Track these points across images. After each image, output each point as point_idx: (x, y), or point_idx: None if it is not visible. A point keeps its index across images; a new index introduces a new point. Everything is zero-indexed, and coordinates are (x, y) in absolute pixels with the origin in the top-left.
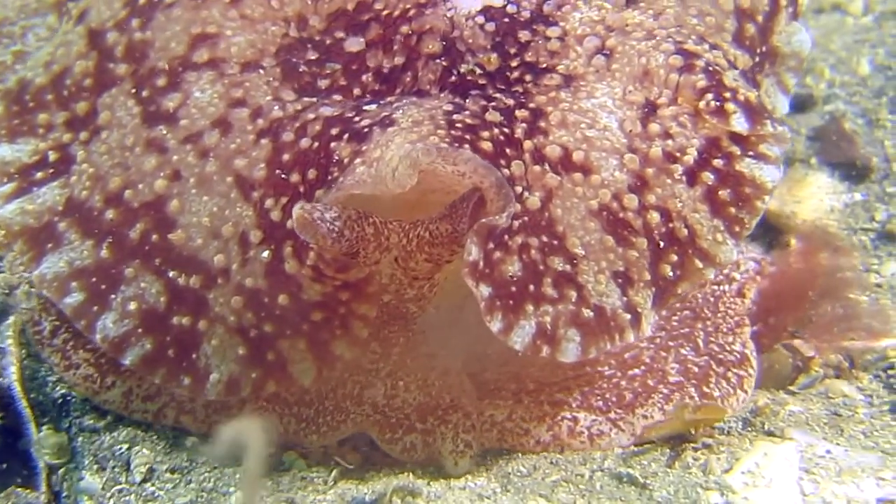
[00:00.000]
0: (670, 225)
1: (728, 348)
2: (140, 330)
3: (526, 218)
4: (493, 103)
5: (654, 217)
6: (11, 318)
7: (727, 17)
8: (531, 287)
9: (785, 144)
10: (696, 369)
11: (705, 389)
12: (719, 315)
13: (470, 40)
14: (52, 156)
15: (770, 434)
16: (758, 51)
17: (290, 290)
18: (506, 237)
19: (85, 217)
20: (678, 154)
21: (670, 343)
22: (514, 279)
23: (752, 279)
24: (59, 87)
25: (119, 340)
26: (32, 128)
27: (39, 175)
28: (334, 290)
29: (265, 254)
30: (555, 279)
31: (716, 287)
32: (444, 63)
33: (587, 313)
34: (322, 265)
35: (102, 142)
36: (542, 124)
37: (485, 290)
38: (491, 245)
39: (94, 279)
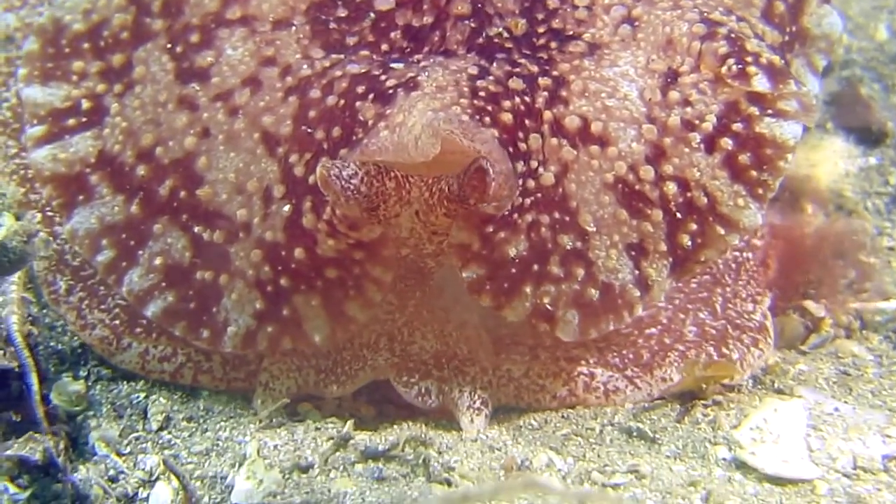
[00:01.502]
0: (688, 194)
1: (746, 316)
2: (164, 284)
3: (539, 194)
4: (517, 69)
5: (671, 188)
6: (17, 273)
7: None
8: (535, 266)
9: (812, 113)
10: (713, 332)
11: (723, 350)
12: (740, 283)
13: (499, 4)
14: (85, 104)
15: (779, 392)
16: (787, 29)
17: (306, 244)
18: (515, 215)
19: (117, 171)
20: (696, 122)
21: (688, 306)
22: (516, 260)
23: (772, 246)
24: (96, 37)
25: (143, 294)
26: (66, 73)
27: (71, 122)
28: (348, 247)
29: (286, 208)
30: (563, 257)
31: (737, 254)
32: (472, 25)
33: (592, 293)
34: (335, 221)
35: (136, 96)
36: (564, 93)
37: (473, 273)
38: (490, 228)
39: (123, 235)
